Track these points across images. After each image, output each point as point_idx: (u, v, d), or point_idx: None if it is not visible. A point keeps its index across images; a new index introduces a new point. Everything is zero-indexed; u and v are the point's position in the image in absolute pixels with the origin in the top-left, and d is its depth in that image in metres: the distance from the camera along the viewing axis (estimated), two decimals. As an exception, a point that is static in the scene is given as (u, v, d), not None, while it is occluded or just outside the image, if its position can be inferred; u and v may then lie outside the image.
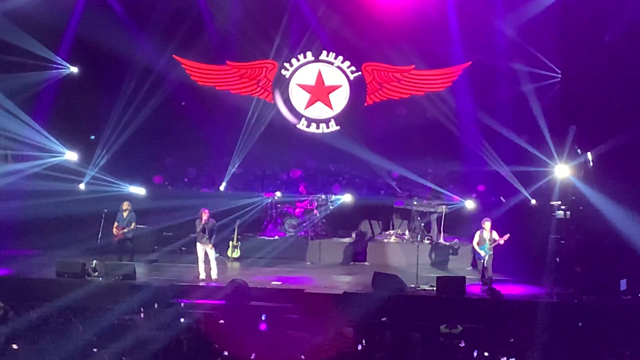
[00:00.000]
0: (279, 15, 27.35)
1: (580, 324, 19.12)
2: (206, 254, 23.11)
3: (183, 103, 28.38)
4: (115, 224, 24.00)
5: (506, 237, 22.20)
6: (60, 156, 27.40)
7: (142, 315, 18.27)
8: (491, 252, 22.26)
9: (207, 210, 23.13)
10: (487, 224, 22.43)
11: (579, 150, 23.23)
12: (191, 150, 28.46)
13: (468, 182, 27.40)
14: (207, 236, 22.96)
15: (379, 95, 27.83)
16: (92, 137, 28.25)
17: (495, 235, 22.28)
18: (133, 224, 23.98)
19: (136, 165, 28.17)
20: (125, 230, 23.89)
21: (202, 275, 23.04)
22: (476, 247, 22.50)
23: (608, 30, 23.21)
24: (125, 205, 24.17)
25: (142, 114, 27.41)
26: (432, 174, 27.45)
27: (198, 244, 23.14)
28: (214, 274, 23.04)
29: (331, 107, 28.14)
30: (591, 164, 22.73)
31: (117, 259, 23.70)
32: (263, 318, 18.93)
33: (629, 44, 23.02)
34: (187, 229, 25.51)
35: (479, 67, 26.46)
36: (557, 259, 22.34)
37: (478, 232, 22.52)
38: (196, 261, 23.31)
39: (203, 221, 22.93)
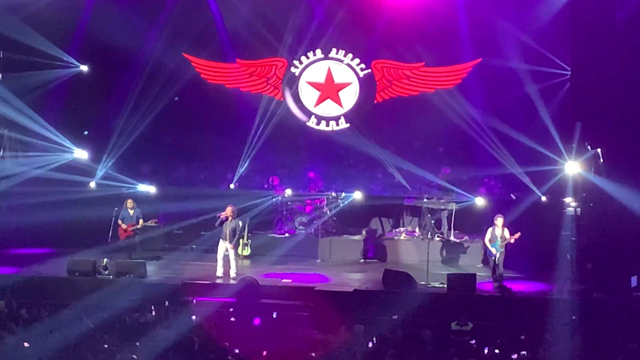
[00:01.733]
0: (289, 13, 27.31)
1: (591, 320, 19.13)
2: (226, 252, 23.12)
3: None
4: (120, 222, 24.09)
5: (517, 235, 22.12)
6: (70, 155, 27.49)
7: (152, 313, 18.30)
8: (502, 249, 22.20)
9: (231, 207, 23.10)
10: (499, 221, 22.34)
11: (589, 147, 23.19)
12: (202, 148, 28.46)
13: (478, 179, 27.38)
14: (228, 234, 22.93)
15: (388, 92, 27.80)
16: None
17: (506, 233, 22.21)
18: (141, 220, 24.12)
19: (147, 162, 28.25)
20: (134, 227, 24.02)
21: (219, 273, 23.01)
22: (488, 245, 22.44)
23: (617, 16, 23.15)
24: (130, 203, 24.30)
25: (152, 112, 27.45)
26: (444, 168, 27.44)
27: (220, 241, 23.09)
28: (232, 273, 23.00)
29: (341, 105, 28.11)
30: (601, 160, 22.69)
31: (128, 257, 23.78)
32: (274, 316, 18.97)
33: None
34: (197, 227, 25.61)
35: (487, 66, 26.43)
36: (568, 256, 22.32)
37: (490, 229, 22.45)
38: (208, 259, 23.38)
39: (222, 216, 22.96)
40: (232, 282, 22.52)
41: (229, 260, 23.07)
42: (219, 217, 23.04)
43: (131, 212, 24.28)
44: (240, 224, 23.42)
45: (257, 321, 17.39)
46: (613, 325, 18.27)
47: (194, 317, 18.04)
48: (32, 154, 26.85)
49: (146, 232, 24.90)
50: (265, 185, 28.11)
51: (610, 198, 22.09)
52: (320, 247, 26.20)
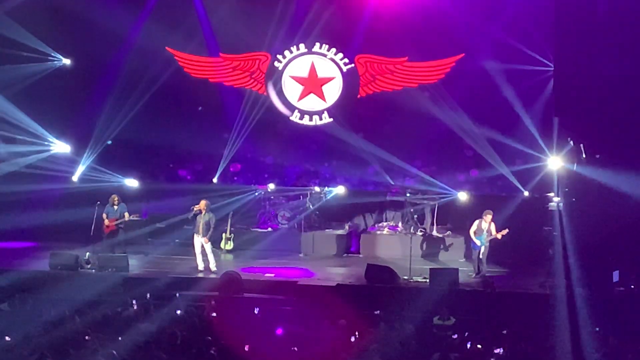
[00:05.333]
0: (272, 7, 27.26)
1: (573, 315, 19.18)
2: (203, 247, 23.12)
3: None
4: (104, 216, 24.01)
5: (504, 232, 22.16)
6: (53, 148, 27.39)
7: (134, 307, 18.25)
8: (487, 244, 22.25)
9: (205, 201, 23.14)
10: (487, 217, 22.37)
11: (571, 142, 23.24)
12: (184, 142, 28.43)
13: (460, 172, 27.46)
14: (203, 228, 22.96)
15: (372, 87, 27.79)
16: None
17: (493, 228, 22.23)
18: (126, 214, 24.06)
19: (129, 157, 28.17)
20: (118, 221, 23.96)
21: (200, 267, 23.15)
22: (472, 236, 22.47)
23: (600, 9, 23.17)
24: (115, 199, 24.18)
25: (135, 106, 27.36)
26: (424, 166, 27.46)
27: (195, 236, 23.16)
28: (212, 266, 23.06)
29: (324, 99, 28.08)
30: (583, 155, 22.74)
31: (110, 251, 23.71)
32: (256, 311, 18.93)
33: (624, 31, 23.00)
34: (180, 222, 25.55)
35: (469, 60, 26.50)
36: (550, 251, 22.37)
37: (477, 221, 22.48)
38: (191, 253, 23.39)
39: (196, 209, 22.97)
40: (212, 276, 22.53)
41: (206, 254, 23.13)
42: (192, 209, 23.12)
43: (115, 207, 24.17)
44: (214, 217, 23.39)
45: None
46: (595, 321, 18.34)
47: (175, 311, 18.00)
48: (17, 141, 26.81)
49: (129, 227, 24.78)
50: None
51: (593, 192, 22.15)
52: (303, 241, 26.18)
